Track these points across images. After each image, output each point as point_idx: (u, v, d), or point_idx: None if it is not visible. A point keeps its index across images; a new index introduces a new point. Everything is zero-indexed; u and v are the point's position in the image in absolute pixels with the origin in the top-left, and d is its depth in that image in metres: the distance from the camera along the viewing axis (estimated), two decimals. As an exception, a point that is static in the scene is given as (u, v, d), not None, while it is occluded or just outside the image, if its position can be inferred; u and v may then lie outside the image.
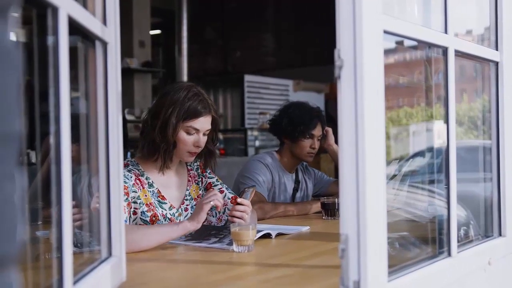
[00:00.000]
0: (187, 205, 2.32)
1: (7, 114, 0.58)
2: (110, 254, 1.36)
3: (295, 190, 3.11)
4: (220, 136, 7.79)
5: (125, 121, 5.09)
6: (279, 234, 2.17)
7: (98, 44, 1.33)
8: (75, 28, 1.10)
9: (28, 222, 0.62)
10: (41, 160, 1.89)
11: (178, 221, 2.23)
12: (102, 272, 1.26)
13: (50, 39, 1.01)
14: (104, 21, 1.34)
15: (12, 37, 0.60)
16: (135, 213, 2.13)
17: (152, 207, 2.17)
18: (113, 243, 1.37)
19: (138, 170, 2.20)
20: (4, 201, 0.58)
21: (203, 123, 2.20)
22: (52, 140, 1.01)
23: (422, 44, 1.59)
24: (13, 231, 0.59)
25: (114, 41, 1.37)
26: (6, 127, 0.57)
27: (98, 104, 1.35)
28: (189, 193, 2.35)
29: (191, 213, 2.29)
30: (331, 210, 2.62)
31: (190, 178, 2.38)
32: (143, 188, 2.18)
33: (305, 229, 2.33)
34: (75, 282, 1.08)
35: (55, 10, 0.98)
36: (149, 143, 2.19)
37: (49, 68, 1.01)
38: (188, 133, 2.18)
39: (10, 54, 0.58)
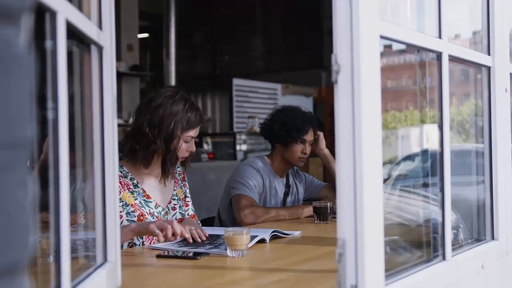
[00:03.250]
0: (174, 204, 2.39)
1: (20, 119, 0.57)
2: (105, 259, 1.35)
3: (286, 194, 3.11)
4: (209, 140, 7.78)
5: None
6: (273, 237, 2.17)
7: (93, 48, 1.32)
8: (71, 32, 1.10)
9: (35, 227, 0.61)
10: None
11: (166, 219, 2.30)
12: (98, 278, 1.25)
13: (48, 43, 1.00)
14: (100, 26, 1.33)
15: (24, 42, 0.59)
16: (119, 217, 2.14)
17: (138, 207, 2.22)
18: (109, 249, 1.36)
19: (121, 172, 2.22)
20: (17, 207, 0.57)
21: (198, 130, 2.32)
22: (50, 144, 1.00)
23: (412, 48, 1.60)
24: (26, 237, 0.59)
25: (109, 46, 1.37)
26: (19, 132, 0.57)
27: (94, 108, 1.34)
28: (176, 193, 2.42)
29: (179, 212, 2.39)
30: (323, 214, 2.62)
31: (176, 180, 2.45)
32: (125, 190, 2.21)
33: (297, 233, 2.33)
34: (72, 288, 1.07)
35: (53, 14, 0.98)
36: (151, 154, 2.24)
37: (46, 72, 1.01)
38: (186, 141, 2.28)
39: (22, 59, 0.58)
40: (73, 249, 1.40)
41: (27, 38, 0.61)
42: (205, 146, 7.56)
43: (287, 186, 3.13)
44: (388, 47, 1.50)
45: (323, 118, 7.44)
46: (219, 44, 10.43)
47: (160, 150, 2.24)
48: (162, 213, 2.30)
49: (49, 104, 1.00)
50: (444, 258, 1.50)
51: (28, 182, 0.60)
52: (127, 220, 2.18)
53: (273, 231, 2.17)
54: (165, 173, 2.30)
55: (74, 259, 1.38)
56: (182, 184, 2.48)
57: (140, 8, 7.93)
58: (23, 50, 0.59)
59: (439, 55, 1.51)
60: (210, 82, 9.58)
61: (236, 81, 8.20)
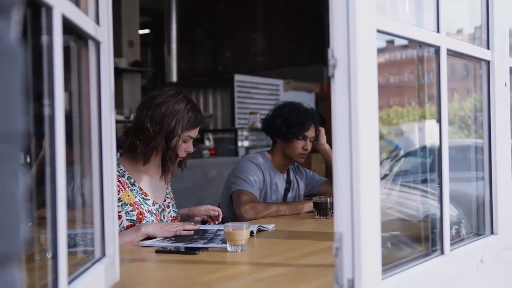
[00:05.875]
0: (168, 202, 2.43)
1: (12, 112, 0.58)
2: (103, 254, 1.36)
3: (287, 190, 3.11)
4: (210, 136, 7.78)
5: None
6: (259, 230, 2.23)
7: (91, 44, 1.32)
8: (67, 27, 1.10)
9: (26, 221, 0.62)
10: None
11: (162, 216, 2.35)
12: (96, 272, 1.26)
13: (43, 38, 1.00)
14: (97, 21, 1.34)
15: (15, 36, 0.60)
16: (119, 217, 2.16)
17: (137, 206, 2.24)
18: (107, 243, 1.36)
19: (118, 171, 2.23)
20: (8, 199, 0.58)
21: (197, 131, 2.35)
22: (46, 140, 1.00)
23: (413, 43, 1.59)
24: (17, 229, 0.59)
25: (107, 41, 1.37)
26: (11, 125, 0.58)
27: (91, 104, 1.34)
28: (169, 192, 2.45)
29: (173, 210, 2.43)
30: (323, 210, 2.63)
31: (168, 180, 2.48)
32: (125, 188, 2.22)
33: (271, 227, 2.35)
34: (69, 282, 1.07)
35: (49, 9, 0.98)
36: (150, 150, 2.25)
37: (42, 68, 1.01)
38: (185, 141, 2.30)
39: (13, 53, 0.58)
40: (73, 244, 1.41)
41: (18, 32, 0.61)
42: (207, 143, 7.57)
43: (288, 181, 3.13)
44: (390, 42, 1.50)
45: (325, 114, 7.44)
46: (220, 40, 10.43)
47: (160, 147, 2.27)
48: (159, 210, 2.33)
49: (46, 100, 1.00)
50: (442, 252, 1.50)
51: (20, 175, 0.60)
52: (126, 219, 2.19)
53: (258, 229, 2.23)
54: (165, 171, 2.32)
55: (73, 253, 1.38)
56: (170, 185, 2.52)
57: (141, 4, 7.93)
58: (14, 44, 0.59)
59: (437, 49, 1.51)
60: (212, 78, 9.58)
61: (237, 77, 8.20)
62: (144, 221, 2.21)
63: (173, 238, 2.07)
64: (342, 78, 1.16)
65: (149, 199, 2.30)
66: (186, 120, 2.27)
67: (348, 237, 1.15)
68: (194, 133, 2.33)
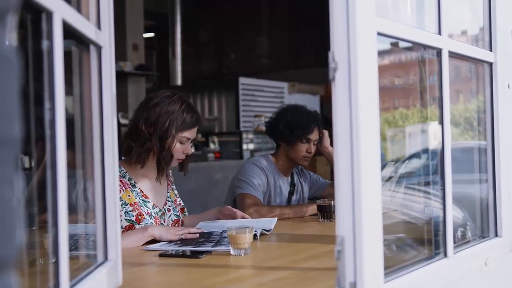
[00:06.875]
0: (169, 206, 2.43)
1: (7, 118, 0.58)
2: (106, 258, 1.36)
3: (291, 193, 3.11)
4: (215, 139, 7.78)
5: (119, 125, 5.11)
6: (262, 234, 2.22)
7: (92, 48, 1.33)
8: (69, 32, 1.10)
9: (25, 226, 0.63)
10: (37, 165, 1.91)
11: (162, 220, 2.35)
12: (99, 276, 1.26)
13: (44, 43, 1.01)
14: (98, 25, 1.34)
15: (11, 42, 0.60)
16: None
17: (137, 206, 2.25)
18: (109, 248, 1.37)
19: (120, 172, 2.24)
20: (4, 205, 0.58)
21: (195, 132, 2.34)
22: (47, 145, 1.00)
23: (417, 46, 1.59)
24: (13, 234, 0.59)
25: (108, 45, 1.37)
26: (6, 131, 0.58)
27: (93, 108, 1.34)
28: (169, 195, 2.45)
29: (174, 214, 2.43)
30: (327, 212, 2.62)
31: (169, 182, 2.48)
32: (126, 189, 2.23)
33: (273, 223, 2.36)
34: (71, 287, 1.08)
35: (49, 14, 0.98)
36: (146, 151, 2.25)
37: (43, 72, 1.01)
38: (181, 142, 2.30)
39: (9, 59, 0.58)
40: (75, 247, 1.41)
41: (14, 38, 0.62)
42: (212, 146, 7.57)
43: (292, 184, 3.13)
44: (395, 45, 1.50)
45: (330, 116, 7.42)
46: (225, 43, 10.43)
47: (155, 149, 2.26)
48: (159, 213, 2.33)
49: (47, 105, 1.01)
50: (445, 255, 1.49)
51: (15, 180, 0.60)
52: (125, 219, 2.20)
53: (261, 232, 2.21)
54: (160, 172, 2.32)
55: (76, 257, 1.38)
56: (173, 187, 2.52)
57: (145, 7, 7.92)
58: (9, 49, 0.59)
59: (439, 52, 1.50)
60: (216, 81, 9.56)
61: (242, 80, 8.20)
62: (143, 223, 2.22)
63: (179, 242, 2.06)
64: (342, 81, 1.16)
65: (149, 202, 2.31)
66: (180, 120, 2.26)
67: (349, 240, 1.15)
68: (191, 134, 2.31)
